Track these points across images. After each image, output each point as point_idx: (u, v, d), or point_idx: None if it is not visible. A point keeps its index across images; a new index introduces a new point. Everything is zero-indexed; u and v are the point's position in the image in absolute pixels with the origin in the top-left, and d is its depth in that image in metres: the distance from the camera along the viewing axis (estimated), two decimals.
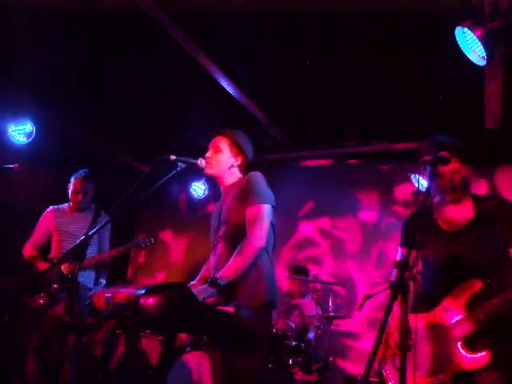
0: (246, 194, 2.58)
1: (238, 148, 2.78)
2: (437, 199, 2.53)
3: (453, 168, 2.38)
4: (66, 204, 4.38)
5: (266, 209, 2.54)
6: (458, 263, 2.28)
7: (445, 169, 2.37)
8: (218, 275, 2.37)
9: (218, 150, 2.76)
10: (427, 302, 2.37)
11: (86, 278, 4.10)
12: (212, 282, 2.34)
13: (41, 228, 4.30)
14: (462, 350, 2.13)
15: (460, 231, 2.38)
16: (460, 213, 2.42)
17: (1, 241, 4.51)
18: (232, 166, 2.76)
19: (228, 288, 2.39)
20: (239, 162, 2.78)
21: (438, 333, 2.21)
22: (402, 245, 2.66)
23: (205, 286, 2.37)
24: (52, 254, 4.19)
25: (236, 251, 2.45)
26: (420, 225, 2.50)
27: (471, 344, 2.13)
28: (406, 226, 2.67)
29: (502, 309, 2.07)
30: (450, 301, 2.25)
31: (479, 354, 2.10)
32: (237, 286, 2.43)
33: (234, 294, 2.42)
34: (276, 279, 2.63)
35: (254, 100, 4.74)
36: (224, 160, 2.75)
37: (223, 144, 2.77)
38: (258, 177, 2.65)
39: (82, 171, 4.31)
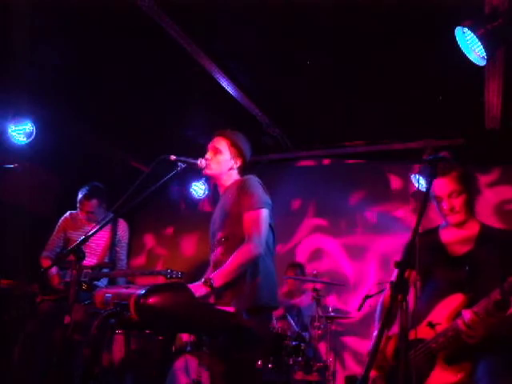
0: (242, 198, 2.57)
1: (237, 150, 2.78)
2: (442, 221, 2.51)
3: (450, 190, 2.35)
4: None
5: (264, 213, 2.54)
6: (456, 290, 2.25)
7: (443, 192, 2.35)
8: (211, 276, 2.38)
9: (217, 152, 2.75)
10: (415, 320, 2.36)
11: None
12: (206, 282, 2.34)
13: (58, 235, 4.24)
14: (440, 364, 2.12)
15: (461, 258, 2.35)
16: (463, 238, 2.39)
17: (0, 241, 4.51)
18: (231, 168, 2.76)
19: (226, 290, 2.40)
20: (238, 165, 2.77)
21: (419, 348, 2.21)
22: (399, 267, 2.62)
23: (198, 283, 2.37)
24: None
25: (233, 254, 2.44)
26: (424, 245, 2.44)
27: (450, 357, 2.12)
28: (408, 246, 2.64)
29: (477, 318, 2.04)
30: (434, 316, 2.25)
31: (456, 368, 2.09)
32: (235, 288, 2.43)
33: (233, 296, 2.43)
34: (277, 280, 2.63)
35: (253, 100, 4.74)
36: (223, 162, 2.74)
37: (223, 145, 2.76)
38: (253, 181, 2.64)
39: (84, 189, 4.21)
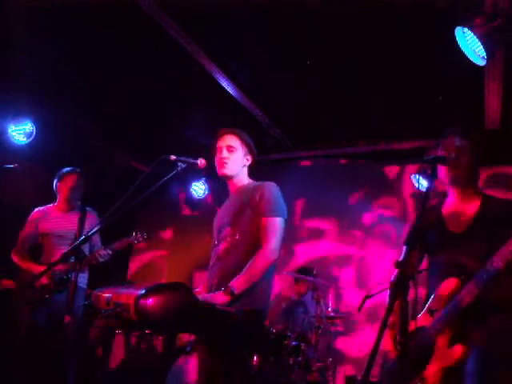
0: (260, 202, 2.55)
1: (248, 147, 2.74)
2: (446, 196, 2.46)
3: (461, 146, 2.31)
4: (52, 205, 4.28)
5: (282, 223, 2.56)
6: (458, 268, 2.23)
7: (451, 144, 2.32)
8: (231, 283, 2.37)
9: (232, 150, 2.69)
10: (423, 306, 2.36)
11: (80, 277, 4.07)
12: (226, 290, 2.33)
13: (29, 232, 4.19)
14: (442, 346, 2.12)
15: (462, 234, 2.31)
16: (465, 212, 2.34)
17: (0, 241, 4.51)
18: (244, 166, 2.74)
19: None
20: (249, 162, 2.75)
21: (423, 334, 2.21)
22: (406, 243, 2.60)
23: (218, 293, 2.36)
24: (45, 259, 4.09)
25: (252, 260, 2.43)
26: (428, 224, 2.42)
27: (451, 338, 2.12)
28: (414, 224, 2.58)
29: (469, 298, 2.03)
30: (433, 302, 2.25)
31: (455, 347, 2.08)
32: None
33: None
34: (272, 284, 2.60)
35: (254, 100, 4.74)
36: (239, 159, 2.70)
37: (236, 143, 2.71)
38: (275, 188, 2.64)
39: (71, 168, 4.24)
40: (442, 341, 2.14)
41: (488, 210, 2.31)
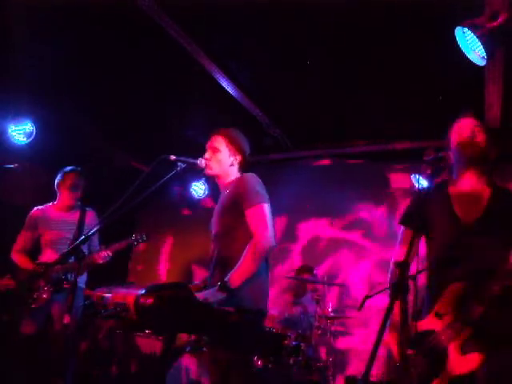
0: (240, 195, 2.57)
1: (235, 146, 2.79)
2: (454, 175, 2.38)
3: (477, 124, 2.30)
4: (51, 204, 4.29)
5: (267, 208, 2.55)
6: (466, 259, 2.18)
7: (467, 123, 2.31)
8: (227, 279, 2.35)
9: (216, 150, 2.76)
10: (425, 306, 2.33)
11: (78, 277, 4.06)
12: (222, 286, 2.32)
13: (29, 231, 4.21)
14: (454, 354, 2.09)
15: (473, 224, 2.25)
16: (477, 199, 2.28)
17: (1, 241, 4.51)
18: (232, 165, 2.77)
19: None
20: (238, 160, 2.78)
21: (431, 339, 2.18)
22: (405, 223, 2.48)
23: (214, 289, 2.35)
24: (44, 258, 4.11)
25: (244, 254, 2.43)
26: (432, 204, 2.34)
27: (462, 347, 2.08)
28: (415, 202, 2.47)
29: (482, 307, 2.02)
30: (440, 305, 2.20)
31: (470, 356, 2.05)
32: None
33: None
34: (266, 282, 2.58)
35: (254, 100, 4.74)
36: (223, 159, 2.75)
37: (221, 143, 2.77)
38: (251, 177, 2.65)
39: (73, 167, 4.27)
40: (454, 347, 2.09)
41: (500, 202, 2.26)
